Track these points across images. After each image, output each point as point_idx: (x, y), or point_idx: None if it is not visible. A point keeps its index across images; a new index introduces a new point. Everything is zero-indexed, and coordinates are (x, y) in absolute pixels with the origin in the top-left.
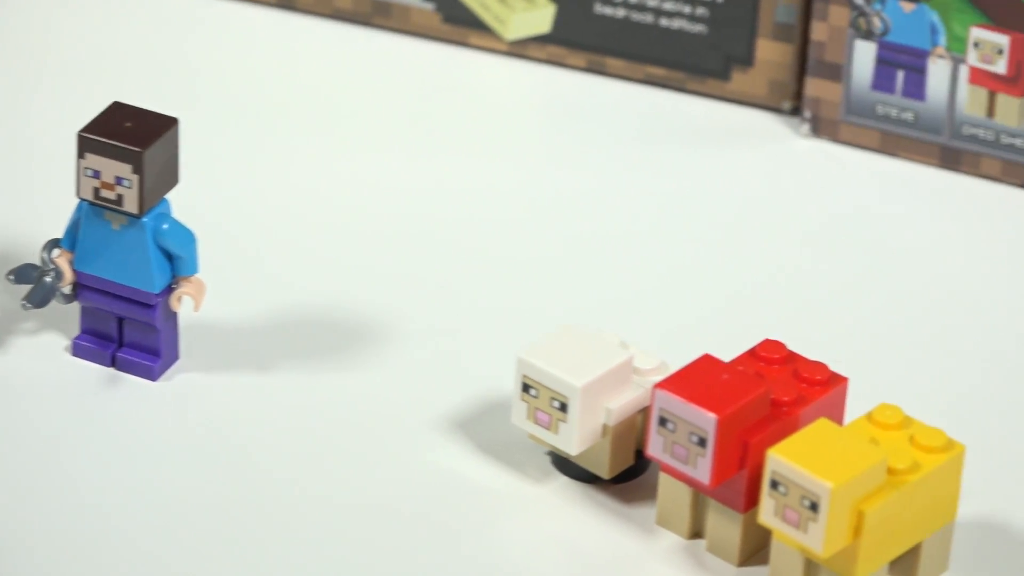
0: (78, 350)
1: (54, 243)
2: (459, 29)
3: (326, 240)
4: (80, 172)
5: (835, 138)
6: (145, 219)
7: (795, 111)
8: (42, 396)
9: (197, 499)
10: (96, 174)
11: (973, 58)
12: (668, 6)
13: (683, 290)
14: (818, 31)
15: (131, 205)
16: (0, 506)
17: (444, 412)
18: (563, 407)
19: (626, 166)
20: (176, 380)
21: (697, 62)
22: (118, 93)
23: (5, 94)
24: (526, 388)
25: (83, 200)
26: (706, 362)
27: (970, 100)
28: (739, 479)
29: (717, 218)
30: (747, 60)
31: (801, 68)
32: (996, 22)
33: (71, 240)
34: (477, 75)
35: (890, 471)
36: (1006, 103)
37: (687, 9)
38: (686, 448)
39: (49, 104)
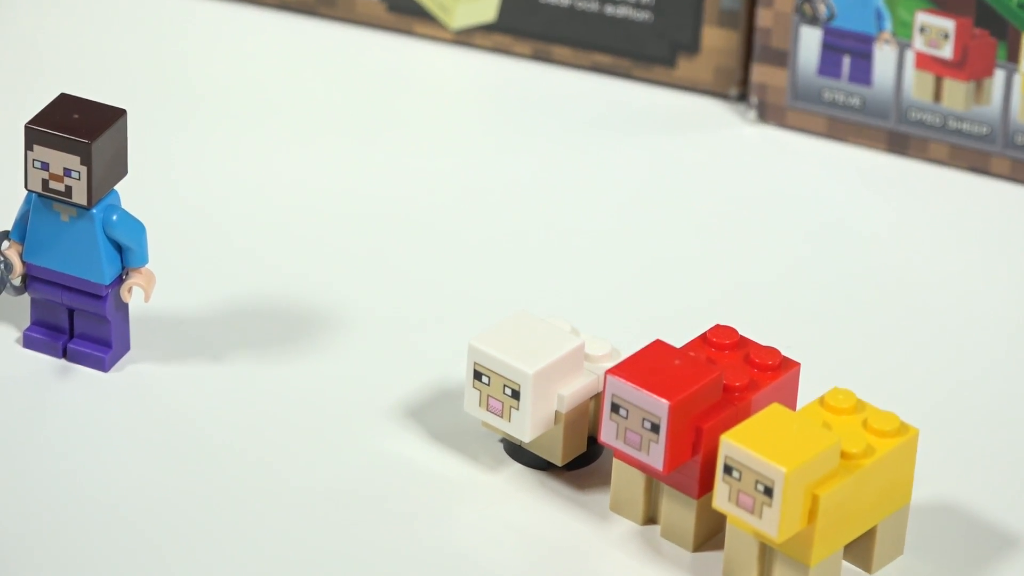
0: (29, 342)
1: (3, 235)
2: (404, 18)
3: (276, 230)
4: (28, 164)
5: (782, 124)
6: (94, 210)
7: (742, 97)
8: None
9: (150, 489)
10: (44, 166)
11: (919, 43)
12: None
13: (633, 276)
14: (763, 17)
15: (80, 197)
16: None
17: (396, 400)
18: (515, 394)
19: (573, 154)
20: (128, 371)
21: (643, 49)
22: (64, 85)
23: None
24: (478, 375)
25: (32, 192)
26: (657, 348)
27: (916, 85)
28: (692, 465)
29: (665, 205)
30: (693, 47)
31: (747, 54)
32: (942, 7)
33: (21, 232)
34: (422, 64)
35: (844, 455)
36: (952, 88)
37: None
38: (639, 434)
39: None
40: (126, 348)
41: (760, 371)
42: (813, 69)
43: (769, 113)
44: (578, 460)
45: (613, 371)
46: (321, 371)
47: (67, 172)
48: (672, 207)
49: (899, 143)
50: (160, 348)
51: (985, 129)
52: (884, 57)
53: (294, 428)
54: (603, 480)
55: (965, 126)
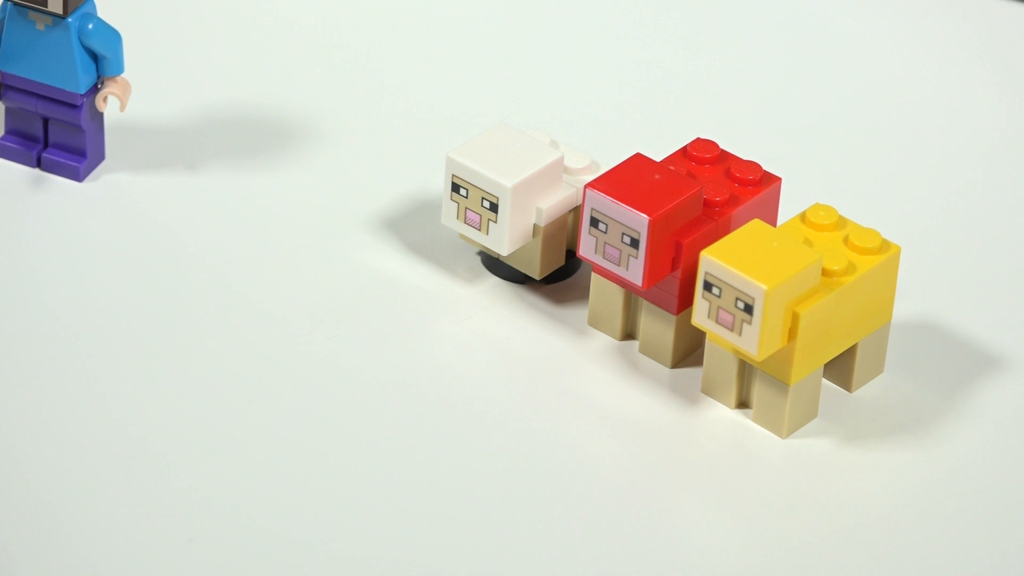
0: (3, 151)
1: None
2: None
3: (252, 38)
4: None
5: None
6: (70, 19)
7: None
8: None
9: (125, 299)
10: None
11: None
12: None
13: (614, 88)
14: None
15: (56, 5)
16: None
17: (373, 211)
18: (493, 207)
19: None
20: (102, 180)
21: None
22: None
23: None
24: (456, 188)
25: (7, 0)
26: (637, 161)
27: None
28: (672, 280)
29: (648, 13)
30: None
31: None
32: None
33: None
34: None
35: (825, 272)
36: None
37: None
38: (618, 249)
39: None
40: (101, 158)
41: (741, 186)
42: None
43: None
44: (556, 274)
45: (592, 185)
46: (297, 181)
47: None
48: (654, 16)
49: None
50: (135, 158)
51: None
52: None
53: (269, 239)
54: (581, 294)
55: None
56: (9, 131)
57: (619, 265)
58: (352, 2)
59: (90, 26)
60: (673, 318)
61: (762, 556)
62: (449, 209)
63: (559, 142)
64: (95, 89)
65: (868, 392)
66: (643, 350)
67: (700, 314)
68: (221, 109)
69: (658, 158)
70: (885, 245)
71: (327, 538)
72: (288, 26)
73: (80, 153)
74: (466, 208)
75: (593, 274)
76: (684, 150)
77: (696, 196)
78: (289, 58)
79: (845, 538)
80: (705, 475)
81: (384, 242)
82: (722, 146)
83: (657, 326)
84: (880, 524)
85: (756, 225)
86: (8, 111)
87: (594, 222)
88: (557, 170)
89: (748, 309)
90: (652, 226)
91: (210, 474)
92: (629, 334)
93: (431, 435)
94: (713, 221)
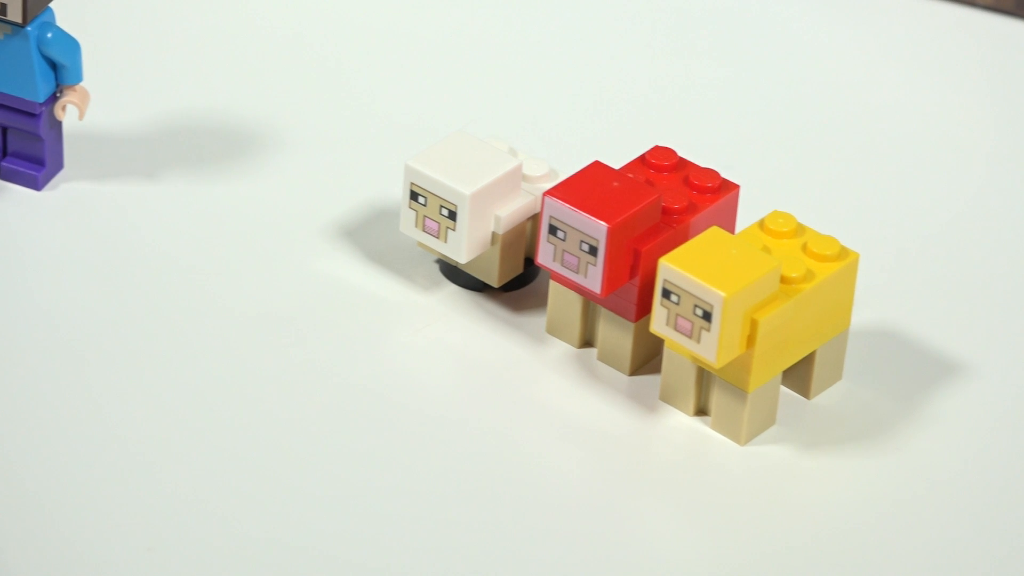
0: None
1: None
2: None
3: (213, 46)
4: None
5: None
6: (29, 28)
7: None
8: None
9: (84, 307)
10: None
11: None
12: None
13: (573, 95)
14: None
15: (15, 14)
16: None
17: (331, 220)
18: (452, 215)
19: None
20: (61, 189)
21: None
22: None
23: None
24: (414, 196)
25: None
26: (596, 169)
27: None
28: (630, 288)
29: (604, 23)
30: None
31: None
32: None
33: None
34: None
35: (783, 280)
36: None
37: None
38: (576, 256)
39: None
40: (60, 166)
41: (699, 193)
42: None
43: None
44: (514, 281)
45: (551, 192)
46: (256, 189)
47: None
48: (612, 25)
49: None
50: (94, 166)
51: None
52: None
53: (228, 248)
54: (540, 302)
55: None
56: None
57: (577, 273)
58: (312, 11)
59: (49, 35)
60: (631, 325)
61: (720, 563)
62: (407, 217)
63: (517, 150)
64: (54, 98)
65: (826, 399)
66: (601, 358)
67: (658, 321)
68: (180, 117)
69: (616, 166)
70: (843, 252)
71: (284, 540)
72: (247, 35)
73: (39, 162)
74: (424, 216)
75: (551, 282)
76: (643, 158)
77: (655, 203)
78: (248, 66)
79: (804, 545)
80: (664, 482)
81: (342, 250)
82: (680, 153)
83: (615, 333)
84: (839, 530)
85: (714, 232)
86: None
87: (552, 230)
88: (516, 178)
89: (706, 316)
90: (611, 234)
91: (167, 480)
92: (587, 342)
93: (389, 443)
94: (671, 228)
